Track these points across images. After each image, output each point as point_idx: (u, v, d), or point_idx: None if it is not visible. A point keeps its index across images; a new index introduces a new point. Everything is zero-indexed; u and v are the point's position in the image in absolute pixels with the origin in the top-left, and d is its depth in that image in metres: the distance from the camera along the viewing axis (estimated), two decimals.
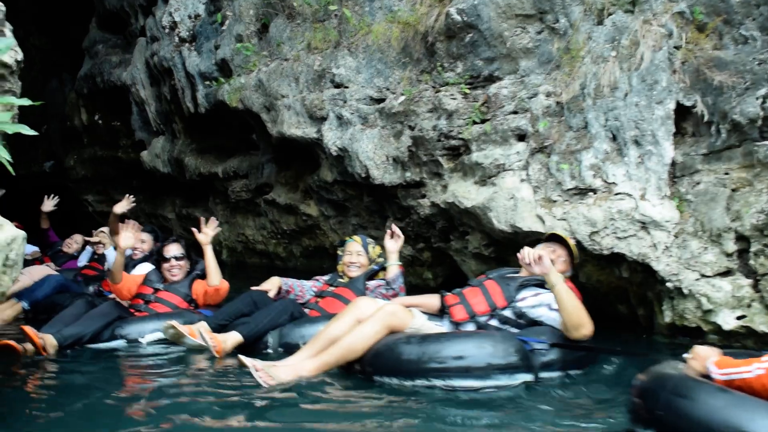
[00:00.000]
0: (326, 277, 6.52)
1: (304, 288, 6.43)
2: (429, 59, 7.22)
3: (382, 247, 6.31)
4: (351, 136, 7.57)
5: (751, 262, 5.50)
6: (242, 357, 4.54)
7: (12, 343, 5.45)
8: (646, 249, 5.73)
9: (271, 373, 4.26)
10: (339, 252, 6.50)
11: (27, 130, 3.59)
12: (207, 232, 6.64)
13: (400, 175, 7.33)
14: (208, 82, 9.35)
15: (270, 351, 5.55)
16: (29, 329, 5.58)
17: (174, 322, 5.55)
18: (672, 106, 5.78)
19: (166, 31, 10.00)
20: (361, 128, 7.57)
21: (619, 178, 5.86)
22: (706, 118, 5.74)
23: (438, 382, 4.28)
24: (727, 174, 5.79)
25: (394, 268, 6.12)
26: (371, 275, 6.21)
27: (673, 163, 5.85)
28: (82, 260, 9.48)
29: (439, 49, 7.04)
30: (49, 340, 5.58)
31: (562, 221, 5.97)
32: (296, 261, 10.15)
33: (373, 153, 7.43)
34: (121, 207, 8.86)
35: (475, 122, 6.67)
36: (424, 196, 7.26)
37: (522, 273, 5.15)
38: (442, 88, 7.02)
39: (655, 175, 5.78)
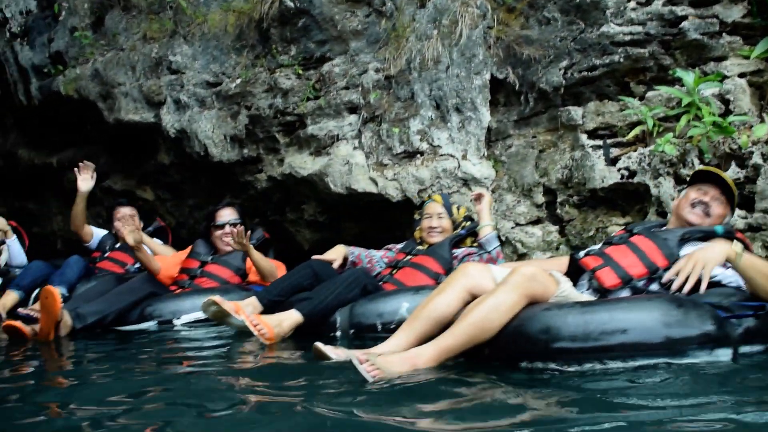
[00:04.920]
0: (400, 246, 5.32)
1: (373, 259, 5.21)
2: (263, 44, 7.20)
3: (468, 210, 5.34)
4: (189, 118, 7.42)
5: (558, 211, 5.86)
6: (322, 345, 3.20)
7: (17, 324, 4.48)
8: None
9: (379, 365, 2.82)
10: (416, 216, 5.36)
11: None
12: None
13: (238, 153, 7.25)
14: (41, 75, 8.91)
15: (338, 334, 4.31)
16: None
17: (216, 298, 4.22)
18: (488, 77, 6.08)
19: None
20: (199, 110, 7.43)
21: (443, 141, 6.08)
22: (517, 88, 6.05)
23: (615, 365, 2.96)
24: (534, 137, 6.16)
25: (486, 229, 4.92)
26: (457, 241, 5.07)
27: (489, 130, 6.12)
28: None
29: (274, 35, 7.04)
30: (63, 318, 4.49)
31: (393, 181, 6.12)
32: None
33: (212, 132, 7.31)
34: (87, 182, 6.85)
35: (309, 98, 6.71)
36: (261, 171, 7.21)
37: (671, 224, 4.02)
38: (277, 70, 7.01)
39: (474, 137, 6.03)
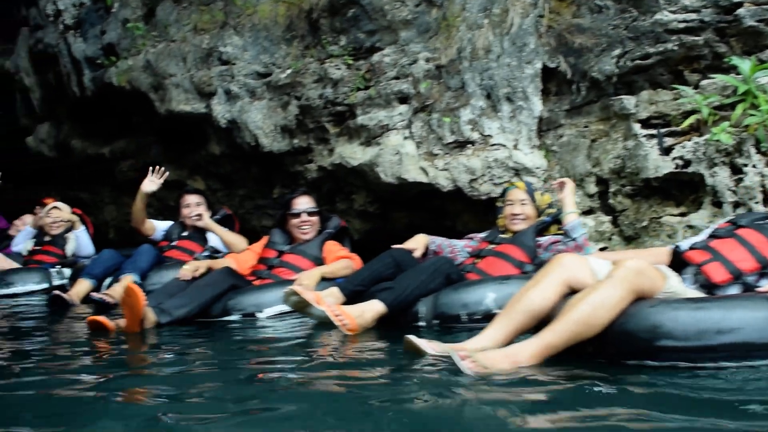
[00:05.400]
0: (483, 234, 5.09)
1: (455, 248, 4.96)
2: (313, 35, 7.23)
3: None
4: (240, 109, 7.48)
5: (610, 201, 5.80)
6: (414, 338, 3.08)
7: (101, 318, 4.36)
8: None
9: (480, 361, 2.72)
10: (498, 203, 5.18)
11: None
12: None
13: (288, 143, 7.29)
14: (94, 67, 9.05)
15: (422, 324, 4.14)
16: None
17: (297, 288, 4.14)
18: (539, 66, 6.03)
19: (51, 19, 9.59)
20: (249, 101, 7.49)
21: (494, 131, 6.05)
22: (568, 77, 6.00)
23: (729, 364, 2.76)
24: (586, 127, 6.10)
25: (571, 216, 4.67)
26: (542, 229, 4.85)
27: (540, 119, 6.09)
28: (19, 243, 8.03)
29: (323, 25, 7.07)
30: (147, 314, 4.42)
31: (444, 171, 6.11)
32: None
33: (262, 123, 7.36)
34: (154, 184, 6.84)
35: (359, 89, 6.72)
36: (311, 161, 7.25)
37: None
38: (326, 60, 7.04)
39: (526, 127, 6.00)
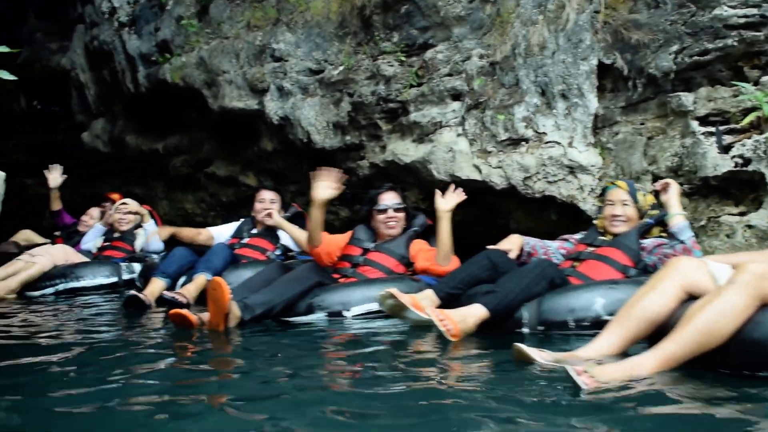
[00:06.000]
0: (578, 236, 4.92)
1: (549, 249, 4.83)
2: (366, 31, 7.23)
3: (656, 197, 4.74)
4: (292, 105, 7.52)
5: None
6: (525, 347, 2.96)
7: (185, 312, 4.32)
8: (573, 191, 5.88)
9: (597, 375, 2.57)
10: (597, 203, 5.07)
11: (7, 75, 3.28)
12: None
13: (340, 139, 7.31)
14: (148, 63, 9.16)
15: (526, 330, 3.97)
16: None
17: (394, 290, 4.02)
18: (595, 62, 5.96)
19: (106, 16, 9.73)
20: (302, 98, 7.52)
21: (549, 128, 6.00)
22: (625, 73, 5.93)
23: None
24: (643, 124, 6.03)
25: (678, 218, 4.37)
26: (644, 231, 4.60)
27: (595, 116, 6.02)
28: (89, 240, 7.87)
29: (376, 21, 7.07)
30: (232, 309, 4.32)
31: (497, 169, 6.08)
32: None
33: (315, 119, 7.39)
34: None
35: (412, 86, 6.71)
36: (363, 158, 7.26)
37: None
38: (379, 57, 7.04)
39: (581, 124, 5.93)
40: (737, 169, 5.33)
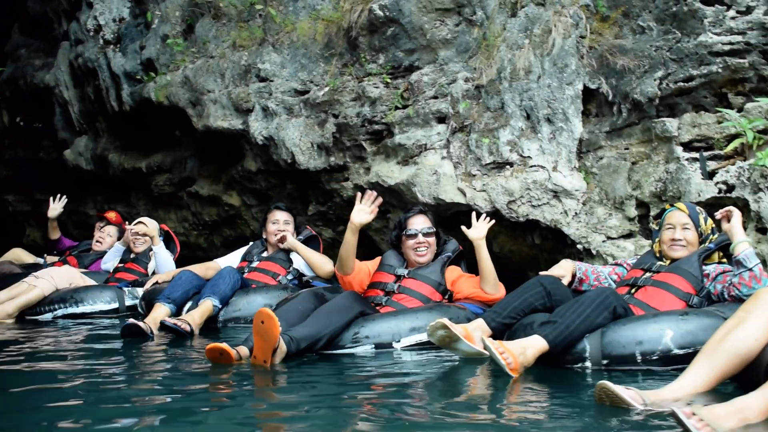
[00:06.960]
0: (632, 260, 4.72)
1: (600, 275, 4.64)
2: (352, 53, 7.21)
3: (715, 222, 4.39)
4: (277, 125, 7.49)
5: (651, 225, 5.68)
6: (611, 384, 2.80)
7: (224, 346, 3.88)
8: (557, 215, 5.87)
9: (707, 419, 2.36)
10: (653, 226, 4.80)
11: None
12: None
13: (325, 160, 7.28)
14: (133, 81, 9.11)
15: (588, 365, 3.71)
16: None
17: (446, 321, 3.83)
18: (580, 87, 5.96)
19: (91, 34, 9.68)
20: (287, 118, 7.49)
21: (534, 152, 5.99)
22: (609, 98, 5.94)
23: None
24: (627, 149, 6.04)
25: (744, 245, 4.00)
26: (705, 257, 4.32)
27: (580, 141, 6.02)
28: (108, 261, 7.65)
29: (362, 43, 7.05)
30: (279, 345, 3.96)
31: (482, 192, 6.06)
32: (217, 251, 9.94)
33: (299, 140, 7.36)
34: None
35: (397, 107, 6.70)
36: (347, 179, 7.22)
37: None
38: (364, 79, 7.02)
39: (565, 149, 5.93)
40: (721, 195, 5.34)
